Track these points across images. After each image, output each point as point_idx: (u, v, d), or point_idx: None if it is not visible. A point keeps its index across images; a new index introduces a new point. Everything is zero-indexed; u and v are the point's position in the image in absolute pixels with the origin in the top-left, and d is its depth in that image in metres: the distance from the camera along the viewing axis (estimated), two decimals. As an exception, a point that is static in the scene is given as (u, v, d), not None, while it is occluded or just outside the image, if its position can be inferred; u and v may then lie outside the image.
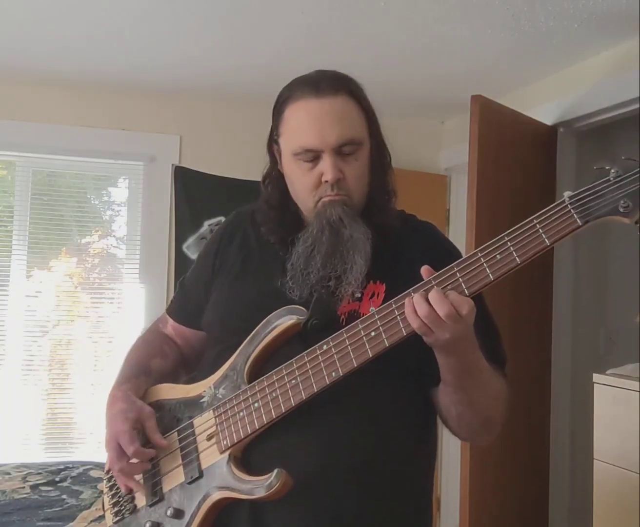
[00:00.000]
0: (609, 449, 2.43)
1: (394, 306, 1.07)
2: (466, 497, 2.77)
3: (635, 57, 2.61)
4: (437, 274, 1.05)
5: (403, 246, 1.25)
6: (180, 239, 3.78)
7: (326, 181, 1.20)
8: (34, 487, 2.44)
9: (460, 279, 1.03)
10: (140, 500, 1.23)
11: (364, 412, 1.12)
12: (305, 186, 1.24)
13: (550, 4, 2.43)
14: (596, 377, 2.50)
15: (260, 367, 1.18)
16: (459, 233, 3.73)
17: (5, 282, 3.66)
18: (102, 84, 3.55)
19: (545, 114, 3.14)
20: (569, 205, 1.00)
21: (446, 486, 3.91)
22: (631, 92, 2.67)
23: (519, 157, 2.97)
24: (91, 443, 3.70)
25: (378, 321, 1.07)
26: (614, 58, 2.83)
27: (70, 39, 2.95)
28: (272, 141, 1.30)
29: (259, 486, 1.09)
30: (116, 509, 1.26)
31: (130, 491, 1.25)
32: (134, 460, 1.20)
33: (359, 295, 1.18)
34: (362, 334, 1.07)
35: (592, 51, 2.88)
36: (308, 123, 1.20)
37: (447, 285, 1.04)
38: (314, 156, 1.20)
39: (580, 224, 0.99)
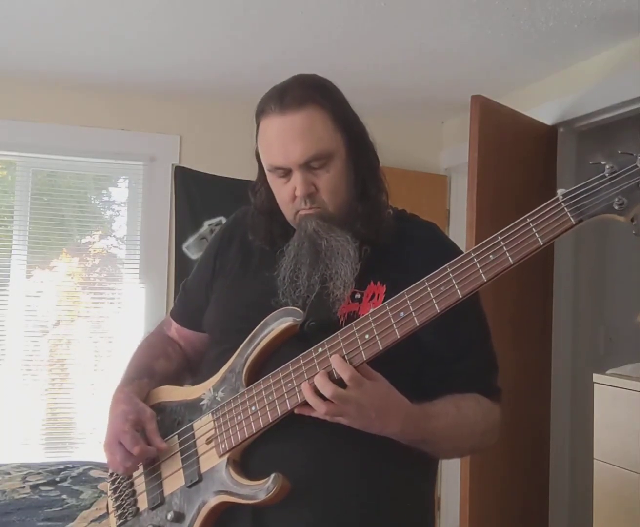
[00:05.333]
0: (609, 449, 2.43)
1: (387, 308, 1.06)
2: (466, 497, 2.76)
3: (635, 57, 2.61)
4: (430, 275, 1.04)
5: (405, 247, 1.24)
6: (180, 239, 3.78)
7: (298, 196, 1.21)
8: (34, 487, 2.44)
9: (453, 279, 1.02)
10: (143, 503, 1.23)
11: None
12: (282, 199, 1.25)
13: (550, 4, 2.43)
14: (596, 377, 2.50)
15: (259, 369, 1.18)
16: (459, 233, 3.73)
17: (5, 282, 3.66)
18: (102, 84, 3.55)
19: (545, 114, 3.14)
20: (562, 204, 0.97)
21: (446, 486, 3.91)
22: (631, 92, 2.67)
23: (519, 157, 2.97)
24: (91, 443, 3.70)
25: (372, 324, 1.06)
26: (614, 58, 2.83)
27: (70, 39, 2.95)
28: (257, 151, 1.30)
29: (256, 490, 1.09)
30: (120, 511, 1.26)
31: (134, 493, 1.25)
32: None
33: (359, 296, 1.18)
34: (357, 336, 1.06)
35: (592, 51, 2.88)
36: (273, 141, 1.21)
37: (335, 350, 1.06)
38: (285, 172, 1.22)
39: (574, 222, 0.96)
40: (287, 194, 1.23)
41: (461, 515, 2.81)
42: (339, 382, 1.05)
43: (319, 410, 1.05)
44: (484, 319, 1.28)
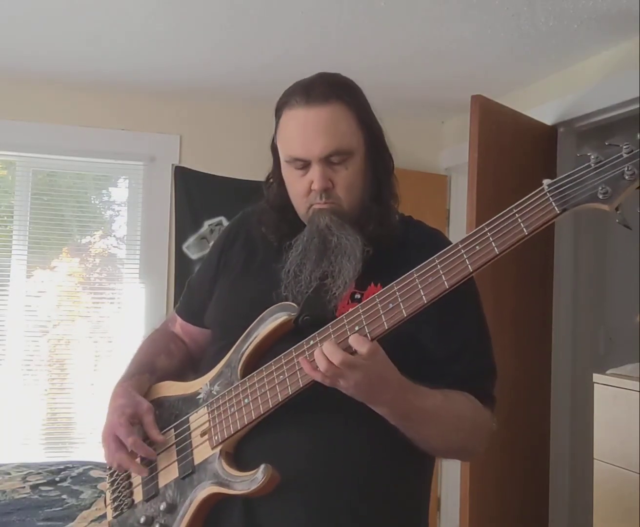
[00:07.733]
0: (609, 449, 2.43)
1: (377, 299, 1.07)
2: (466, 497, 2.76)
3: (635, 57, 2.61)
4: (419, 267, 1.06)
5: (407, 251, 1.24)
6: (180, 239, 3.78)
7: (315, 189, 1.22)
8: (34, 487, 2.44)
9: (440, 270, 1.04)
10: (138, 495, 1.25)
11: (356, 408, 1.11)
12: (297, 192, 1.26)
13: (550, 4, 2.43)
14: (596, 377, 2.50)
15: (255, 364, 1.18)
16: (459, 233, 3.73)
17: (5, 282, 3.66)
18: (102, 84, 3.55)
19: (545, 114, 3.14)
20: (547, 193, 0.98)
21: (446, 486, 3.91)
22: (631, 92, 2.67)
23: (519, 157, 2.97)
24: (91, 443, 3.70)
25: (362, 315, 1.07)
26: (614, 58, 2.83)
27: (70, 39, 2.95)
28: (274, 144, 1.31)
29: (246, 482, 1.10)
30: (116, 504, 1.28)
31: (130, 485, 1.26)
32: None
33: (359, 296, 1.19)
34: (347, 327, 1.07)
35: (592, 51, 2.88)
36: (296, 133, 1.21)
37: (355, 326, 1.06)
38: (303, 165, 1.22)
39: (558, 211, 0.97)
40: (302, 187, 1.24)
41: (461, 515, 2.81)
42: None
43: (325, 369, 1.04)
44: (483, 325, 1.28)
